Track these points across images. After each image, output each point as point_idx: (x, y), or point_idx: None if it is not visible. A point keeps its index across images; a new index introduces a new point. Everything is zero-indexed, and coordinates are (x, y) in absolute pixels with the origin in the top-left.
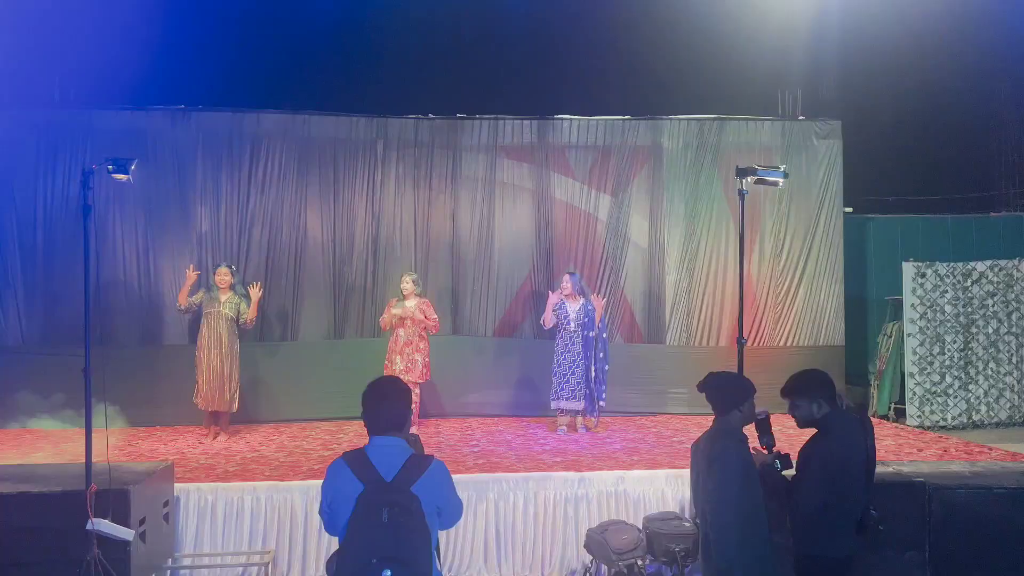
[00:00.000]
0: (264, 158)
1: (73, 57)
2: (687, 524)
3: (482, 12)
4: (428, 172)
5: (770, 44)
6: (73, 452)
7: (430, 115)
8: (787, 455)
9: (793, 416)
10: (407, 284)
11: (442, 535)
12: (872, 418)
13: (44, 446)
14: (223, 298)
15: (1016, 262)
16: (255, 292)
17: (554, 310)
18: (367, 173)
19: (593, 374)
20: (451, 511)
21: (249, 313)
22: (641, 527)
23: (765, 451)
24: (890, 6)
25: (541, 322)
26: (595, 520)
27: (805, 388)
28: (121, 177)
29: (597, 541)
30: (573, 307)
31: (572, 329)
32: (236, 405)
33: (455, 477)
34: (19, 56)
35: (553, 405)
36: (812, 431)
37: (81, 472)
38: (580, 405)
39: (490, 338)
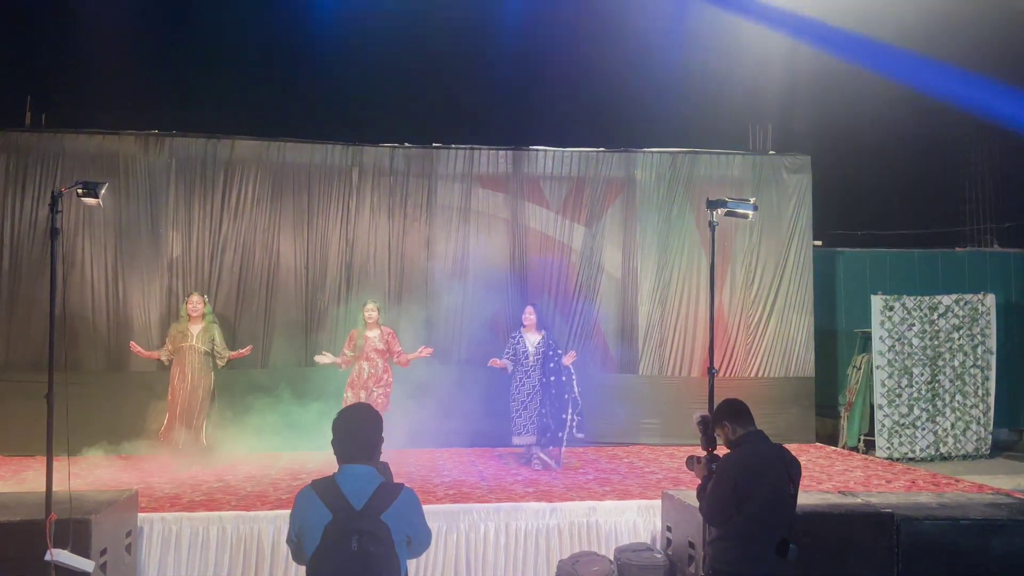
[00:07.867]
0: (238, 184)
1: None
2: (658, 556)
3: (460, 44)
4: (403, 200)
5: (742, 80)
6: (33, 480)
7: (406, 143)
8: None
9: None
10: (371, 312)
11: (411, 564)
12: (842, 449)
13: (4, 474)
14: (195, 330)
15: (981, 296)
16: (240, 352)
17: (511, 349)
18: (342, 200)
19: (569, 412)
20: (420, 540)
21: (226, 353)
22: (613, 558)
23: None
24: (859, 43)
25: (491, 363)
26: (566, 551)
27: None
28: (91, 201)
29: (568, 572)
30: (532, 340)
31: (531, 363)
32: (204, 441)
33: (425, 507)
34: None
35: (515, 441)
36: None
37: (41, 501)
38: (532, 439)
39: (463, 366)
